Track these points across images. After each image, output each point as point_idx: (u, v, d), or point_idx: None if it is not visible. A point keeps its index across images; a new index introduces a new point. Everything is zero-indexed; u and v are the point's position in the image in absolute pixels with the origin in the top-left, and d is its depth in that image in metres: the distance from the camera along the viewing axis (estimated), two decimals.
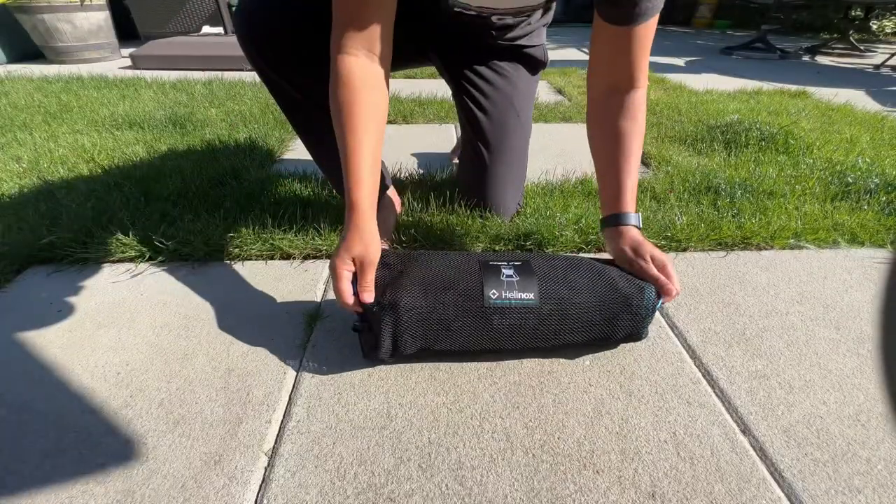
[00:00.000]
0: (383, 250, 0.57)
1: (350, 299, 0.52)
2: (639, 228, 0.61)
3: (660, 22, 0.58)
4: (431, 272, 0.55)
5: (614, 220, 0.61)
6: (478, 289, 0.53)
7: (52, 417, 0.50)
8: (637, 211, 0.61)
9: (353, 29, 0.53)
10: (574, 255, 0.59)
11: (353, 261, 0.53)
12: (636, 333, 0.57)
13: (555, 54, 0.80)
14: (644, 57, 0.59)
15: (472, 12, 0.69)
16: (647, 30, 0.57)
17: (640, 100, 0.61)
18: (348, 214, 0.54)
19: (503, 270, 0.54)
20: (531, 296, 0.53)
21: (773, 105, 1.71)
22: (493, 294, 0.52)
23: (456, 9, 0.68)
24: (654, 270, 0.56)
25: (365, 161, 0.54)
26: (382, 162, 0.87)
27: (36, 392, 0.53)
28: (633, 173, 0.61)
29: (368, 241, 0.53)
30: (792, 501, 0.43)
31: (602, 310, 0.54)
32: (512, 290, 0.53)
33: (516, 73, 0.84)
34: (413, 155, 1.25)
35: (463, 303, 0.52)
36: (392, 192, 0.88)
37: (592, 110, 0.65)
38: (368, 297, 0.52)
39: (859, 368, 0.58)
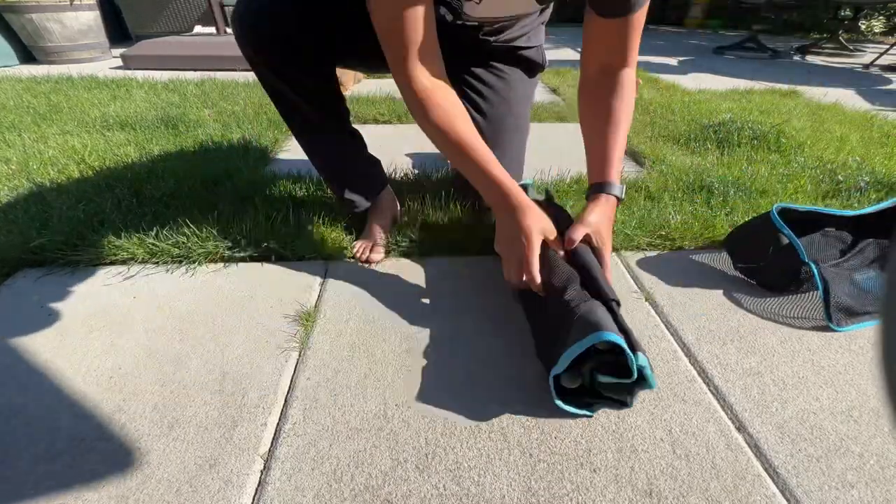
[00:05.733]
0: None
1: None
2: (620, 199, 0.66)
3: (652, 22, 0.60)
4: None
5: (600, 188, 0.65)
6: None
7: (44, 422, 0.50)
8: (621, 183, 0.66)
9: (412, 52, 0.56)
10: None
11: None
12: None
13: (550, 54, 0.81)
14: (636, 39, 0.62)
15: (473, 23, 0.69)
16: (641, 15, 0.60)
17: (630, 77, 0.65)
18: (517, 215, 0.59)
19: None
20: None
21: (764, 104, 1.72)
22: None
23: (458, 22, 0.68)
24: (606, 260, 0.62)
25: (499, 167, 0.60)
26: (379, 160, 0.86)
27: (27, 397, 0.53)
28: (620, 147, 0.66)
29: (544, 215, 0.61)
30: (786, 497, 0.44)
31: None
32: None
33: (514, 74, 0.83)
34: (408, 155, 1.25)
35: None
36: (390, 191, 0.88)
37: (585, 87, 0.69)
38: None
39: (851, 365, 0.59)
